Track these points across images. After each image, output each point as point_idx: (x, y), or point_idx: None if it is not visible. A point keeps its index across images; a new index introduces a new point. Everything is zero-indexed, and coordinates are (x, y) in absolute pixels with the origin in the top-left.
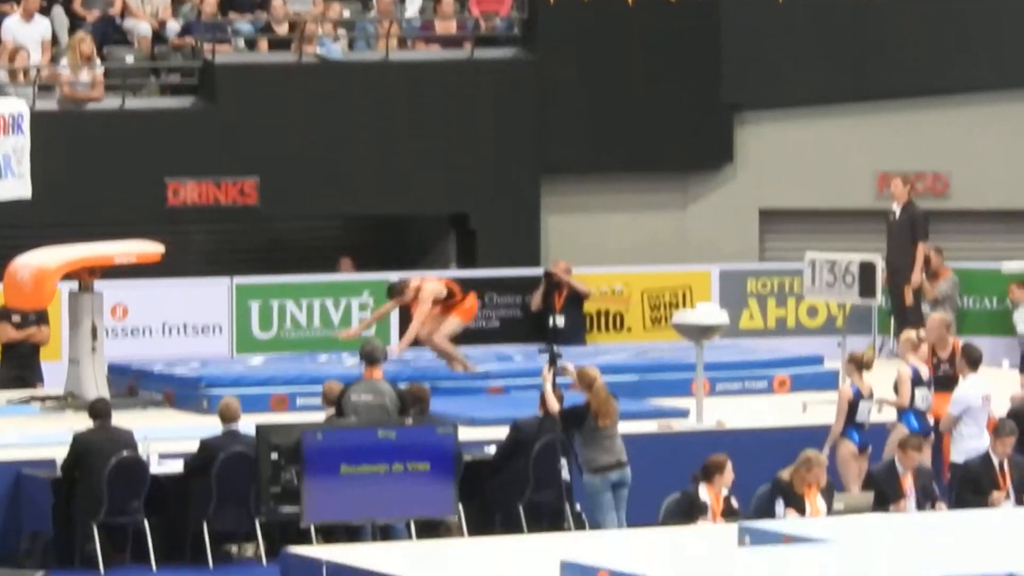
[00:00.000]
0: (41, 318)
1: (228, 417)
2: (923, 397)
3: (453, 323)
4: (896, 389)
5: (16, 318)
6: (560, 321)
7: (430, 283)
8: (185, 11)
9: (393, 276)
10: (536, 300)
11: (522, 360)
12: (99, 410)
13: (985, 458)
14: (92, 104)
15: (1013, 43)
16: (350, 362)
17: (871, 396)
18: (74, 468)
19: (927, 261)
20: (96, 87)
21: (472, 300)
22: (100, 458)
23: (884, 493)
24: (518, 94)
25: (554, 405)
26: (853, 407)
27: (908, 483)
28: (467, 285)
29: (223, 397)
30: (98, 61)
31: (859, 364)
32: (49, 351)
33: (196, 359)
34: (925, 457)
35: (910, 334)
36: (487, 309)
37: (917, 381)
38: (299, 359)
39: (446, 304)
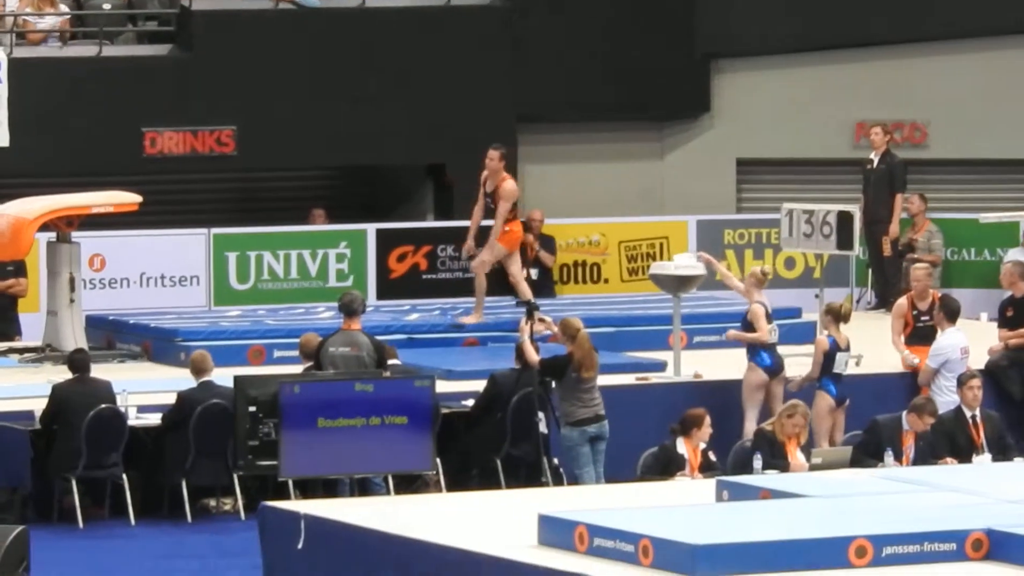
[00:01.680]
0: (19, 269)
1: (200, 369)
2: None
3: (499, 250)
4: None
5: None
6: (534, 273)
7: (511, 182)
8: None
9: (370, 227)
10: None
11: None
12: (77, 362)
13: (957, 412)
14: (69, 51)
15: None
16: (327, 314)
17: (848, 348)
18: (53, 420)
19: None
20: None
21: (518, 226)
22: (78, 411)
23: (876, 444)
24: (495, 42)
25: (533, 357)
26: (830, 358)
27: (909, 443)
28: (444, 236)
29: (195, 350)
30: (63, 6)
31: (836, 316)
32: (27, 303)
33: (173, 311)
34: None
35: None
36: (464, 260)
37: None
38: (276, 311)
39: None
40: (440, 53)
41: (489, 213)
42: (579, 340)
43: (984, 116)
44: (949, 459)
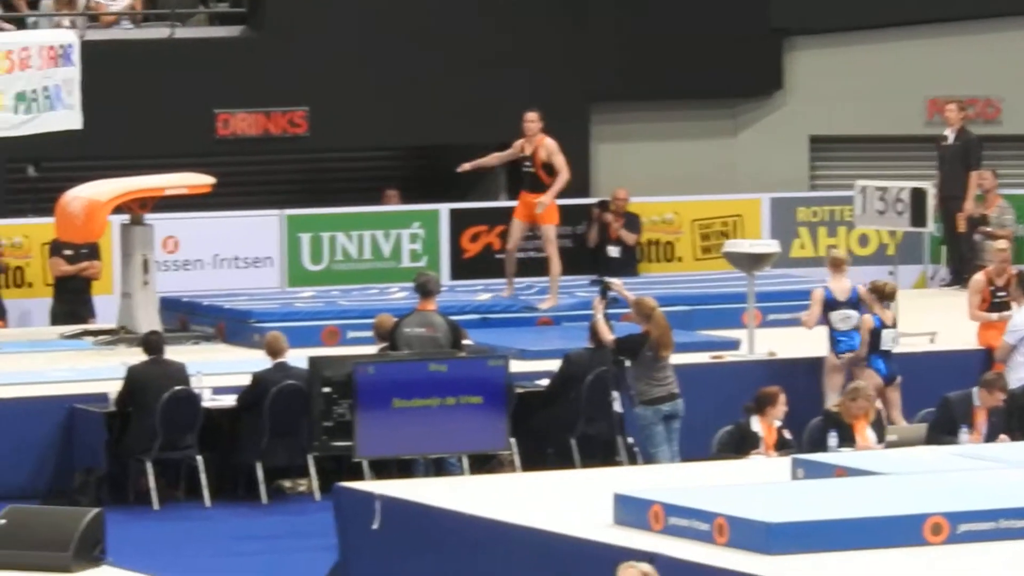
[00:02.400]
0: (93, 252)
1: (274, 351)
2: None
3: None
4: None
5: (68, 252)
6: (615, 251)
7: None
8: None
9: (443, 207)
10: (592, 235)
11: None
12: (152, 343)
13: None
14: (141, 33)
15: None
16: (401, 294)
17: (894, 325)
18: (128, 402)
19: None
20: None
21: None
22: (153, 392)
23: (949, 421)
24: (567, 20)
25: (607, 336)
26: (876, 336)
27: (981, 419)
28: None
29: (269, 332)
30: None
31: (881, 294)
32: (101, 285)
33: (247, 292)
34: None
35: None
36: (537, 239)
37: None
38: (350, 292)
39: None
40: (512, 32)
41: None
42: (655, 319)
43: None
44: (1003, 436)
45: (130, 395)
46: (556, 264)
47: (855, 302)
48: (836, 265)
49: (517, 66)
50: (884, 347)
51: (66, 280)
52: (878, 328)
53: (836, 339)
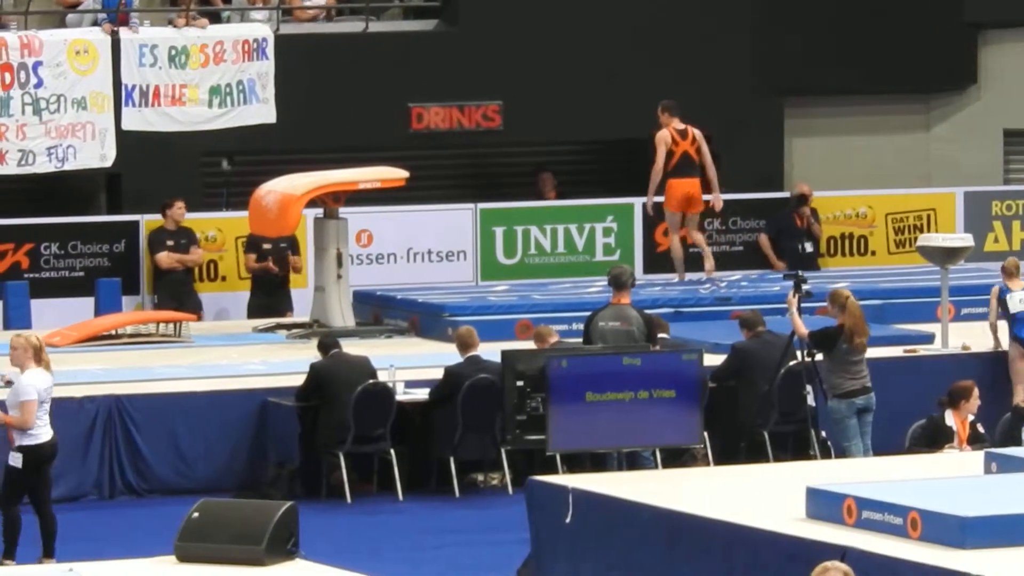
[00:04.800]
0: (293, 246)
1: (466, 344)
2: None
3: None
4: None
5: (267, 246)
6: (809, 246)
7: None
8: None
9: (637, 201)
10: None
11: (756, 283)
12: (328, 344)
13: None
14: (335, 27)
15: None
16: (595, 288)
17: None
18: (311, 397)
19: None
20: (328, 10)
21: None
22: (344, 386)
23: None
24: (759, 15)
25: (802, 329)
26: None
27: None
28: (710, 209)
29: (462, 325)
30: None
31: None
32: (298, 279)
33: (440, 286)
34: None
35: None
36: (730, 233)
37: None
38: (543, 285)
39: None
40: (705, 27)
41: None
42: (849, 307)
43: None
44: None
45: (313, 390)
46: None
47: None
48: (1010, 273)
49: (710, 59)
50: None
51: (262, 274)
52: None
53: (1017, 320)
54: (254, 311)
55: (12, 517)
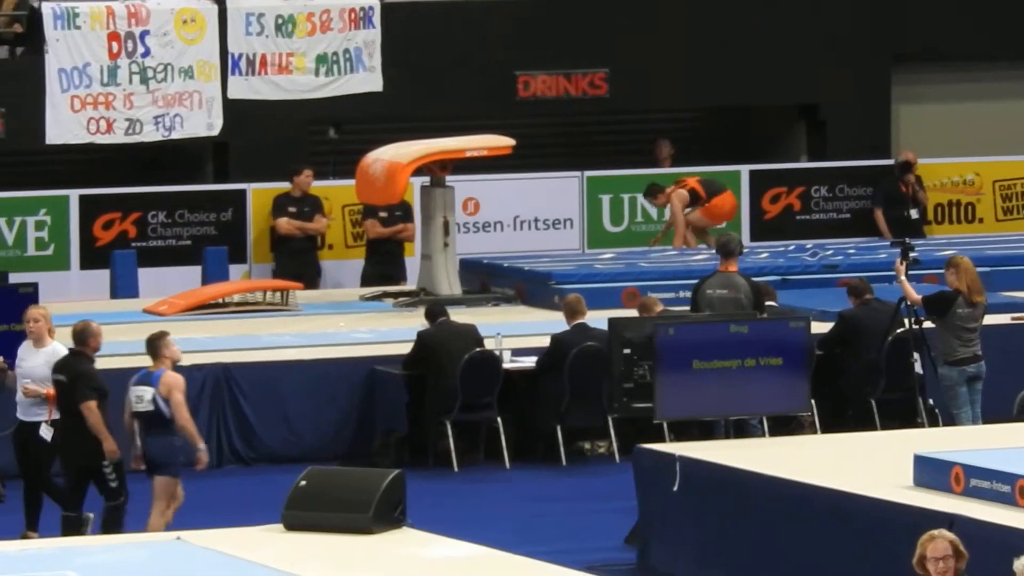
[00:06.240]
0: (407, 214)
1: (573, 312)
2: None
3: (699, 220)
4: None
5: (383, 214)
6: (915, 213)
7: (678, 191)
8: None
9: (743, 168)
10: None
11: (863, 251)
12: (435, 312)
13: None
14: None
15: None
16: (701, 256)
17: None
18: (418, 365)
19: None
20: None
21: (722, 200)
22: (451, 354)
23: None
24: None
25: (914, 295)
26: None
27: None
28: (816, 176)
29: (569, 293)
30: None
31: None
32: (406, 247)
33: (547, 254)
34: None
35: None
36: (837, 200)
37: None
38: (649, 253)
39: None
40: None
41: None
42: (963, 267)
43: None
44: None
45: (420, 359)
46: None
47: None
48: None
49: (819, 26)
50: None
51: (380, 242)
52: None
53: None
54: (370, 279)
55: (42, 489)
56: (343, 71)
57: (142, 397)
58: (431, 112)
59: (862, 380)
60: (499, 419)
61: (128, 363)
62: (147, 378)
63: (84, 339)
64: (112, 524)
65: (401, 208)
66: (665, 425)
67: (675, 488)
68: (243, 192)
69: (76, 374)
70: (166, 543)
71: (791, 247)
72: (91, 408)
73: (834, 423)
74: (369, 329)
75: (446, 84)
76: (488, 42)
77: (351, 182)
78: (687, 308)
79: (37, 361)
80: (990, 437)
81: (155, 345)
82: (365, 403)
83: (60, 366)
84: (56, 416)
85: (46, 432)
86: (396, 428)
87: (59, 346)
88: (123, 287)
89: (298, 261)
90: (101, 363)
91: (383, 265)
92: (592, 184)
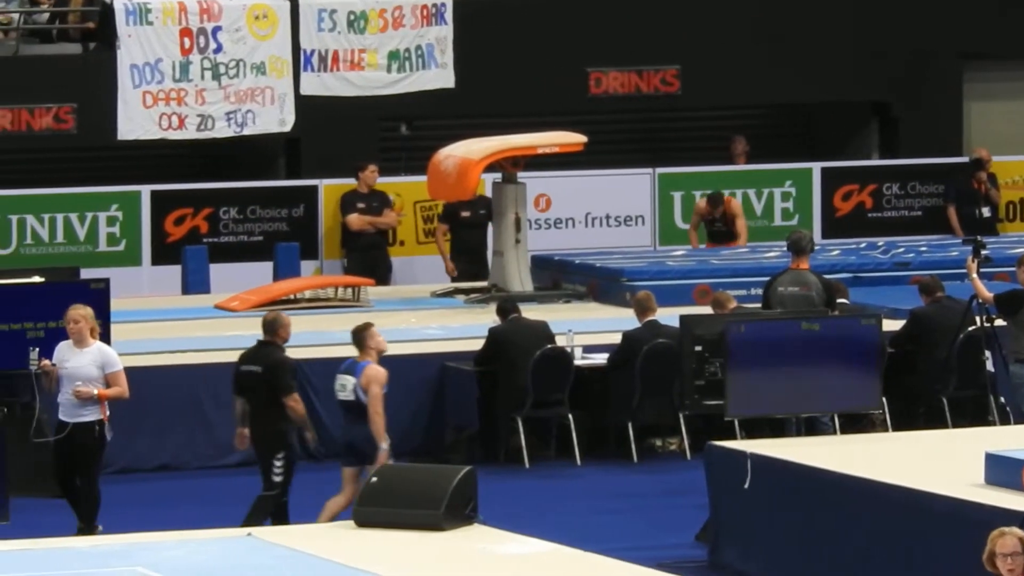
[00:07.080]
0: (490, 212)
1: (644, 309)
2: None
3: None
4: None
5: (466, 212)
6: (987, 211)
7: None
8: None
9: (816, 165)
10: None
11: (935, 248)
12: (507, 309)
13: None
14: None
15: None
16: (773, 253)
17: None
18: (490, 362)
19: None
20: None
21: None
22: (522, 351)
23: None
24: None
25: (985, 293)
26: None
27: None
28: (889, 174)
29: (640, 290)
30: None
31: None
32: None
33: (619, 251)
34: None
35: None
36: (909, 198)
37: None
38: (719, 251)
39: None
40: None
41: None
42: None
43: None
44: None
45: (492, 355)
46: None
47: None
48: None
49: (890, 24)
50: None
51: (467, 239)
52: None
53: None
54: (460, 275)
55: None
56: (415, 67)
57: (344, 386)
58: (503, 109)
59: (933, 378)
60: (570, 416)
61: (199, 359)
62: (352, 368)
63: (275, 329)
64: (258, 511)
65: (485, 207)
66: (736, 422)
67: (746, 485)
68: (315, 188)
69: (273, 364)
70: (237, 539)
71: (863, 244)
72: (297, 399)
73: (905, 421)
74: (440, 325)
75: (518, 81)
76: (560, 39)
77: (423, 178)
78: (758, 305)
79: (83, 361)
80: None
81: (360, 336)
82: (436, 399)
83: (252, 357)
84: (108, 413)
85: (108, 431)
86: (467, 425)
87: (103, 346)
88: (194, 283)
89: (369, 257)
90: (173, 359)
91: (468, 263)
92: (664, 181)
